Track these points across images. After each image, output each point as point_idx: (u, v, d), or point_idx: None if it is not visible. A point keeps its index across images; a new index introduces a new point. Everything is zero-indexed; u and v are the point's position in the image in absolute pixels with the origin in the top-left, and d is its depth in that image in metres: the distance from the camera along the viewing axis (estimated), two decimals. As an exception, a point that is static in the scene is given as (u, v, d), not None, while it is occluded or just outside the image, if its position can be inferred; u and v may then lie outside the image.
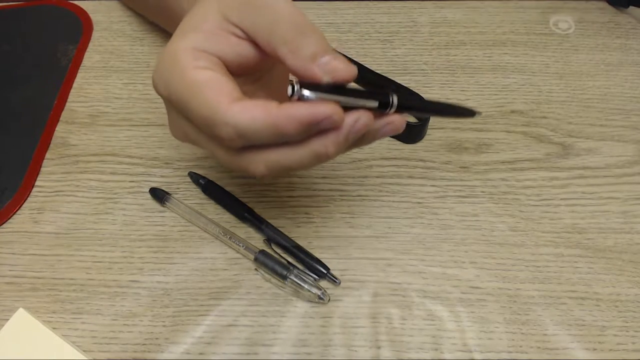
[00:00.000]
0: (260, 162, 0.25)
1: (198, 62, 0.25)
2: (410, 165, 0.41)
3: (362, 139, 0.26)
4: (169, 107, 0.28)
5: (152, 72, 0.27)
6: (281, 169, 0.25)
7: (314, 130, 0.24)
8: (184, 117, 0.26)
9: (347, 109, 0.24)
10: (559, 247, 0.37)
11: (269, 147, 0.25)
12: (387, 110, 0.26)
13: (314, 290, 0.35)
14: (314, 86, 0.24)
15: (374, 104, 0.25)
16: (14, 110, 0.45)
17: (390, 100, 0.26)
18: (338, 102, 0.24)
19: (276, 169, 0.25)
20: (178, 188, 0.40)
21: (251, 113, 0.23)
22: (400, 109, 0.26)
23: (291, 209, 0.39)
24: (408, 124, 0.41)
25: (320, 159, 0.25)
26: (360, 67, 0.42)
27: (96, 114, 0.44)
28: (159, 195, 0.39)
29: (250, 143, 0.24)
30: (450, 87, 0.45)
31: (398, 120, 0.26)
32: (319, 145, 0.24)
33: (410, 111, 0.28)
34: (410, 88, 0.42)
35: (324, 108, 0.23)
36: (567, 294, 0.35)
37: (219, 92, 0.24)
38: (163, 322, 0.35)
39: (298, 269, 0.36)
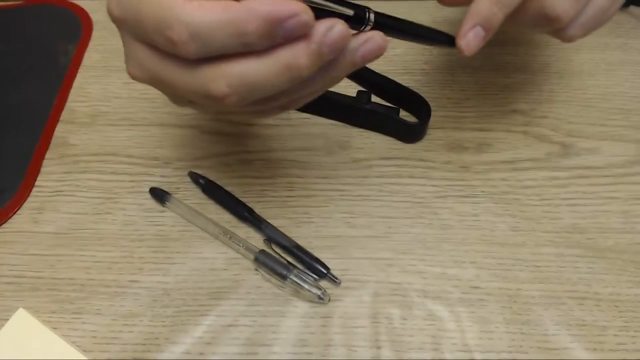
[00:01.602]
0: (221, 77, 0.22)
1: None
2: (410, 165, 0.41)
3: (339, 62, 0.24)
4: (124, 33, 0.25)
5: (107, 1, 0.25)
6: (247, 87, 0.23)
7: (279, 33, 0.21)
8: (139, 40, 0.24)
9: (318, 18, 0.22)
10: (559, 247, 0.37)
11: (230, 58, 0.22)
12: (363, 27, 0.24)
13: (314, 290, 0.35)
14: None
15: (349, 12, 0.23)
16: (14, 110, 0.45)
17: (367, 14, 0.23)
18: (307, 4, 0.21)
19: (241, 87, 0.22)
20: (178, 188, 0.40)
21: (207, 9, 0.21)
22: (378, 27, 0.24)
23: (291, 209, 0.39)
24: (408, 124, 0.41)
25: (292, 72, 0.22)
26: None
27: (96, 114, 0.44)
28: (159, 195, 0.39)
29: (207, 48, 0.22)
30: (450, 86, 0.44)
31: (378, 36, 0.23)
32: (288, 54, 0.22)
33: (389, 30, 0.25)
34: (410, 88, 0.42)
35: (290, 4, 0.21)
36: (568, 294, 0.35)
37: None
38: (163, 322, 0.35)
39: (298, 268, 0.36)
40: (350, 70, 0.25)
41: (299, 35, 0.22)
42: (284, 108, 0.27)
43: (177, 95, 0.27)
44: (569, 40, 0.31)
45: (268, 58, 0.22)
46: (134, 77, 0.26)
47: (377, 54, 0.24)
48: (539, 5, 0.29)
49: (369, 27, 0.24)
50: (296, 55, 0.22)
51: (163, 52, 0.23)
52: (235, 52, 0.22)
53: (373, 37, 0.24)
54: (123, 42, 0.26)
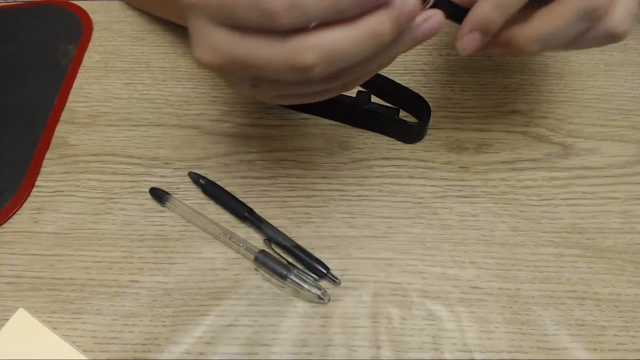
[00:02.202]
0: (312, 47, 0.23)
1: None
2: (410, 165, 0.41)
3: (403, 38, 0.25)
4: (198, 18, 0.25)
5: None
6: (335, 55, 0.24)
7: (367, 3, 0.23)
8: (218, 22, 0.25)
9: None
10: (559, 247, 0.37)
11: (321, 29, 0.23)
12: (425, 5, 0.26)
13: (314, 290, 0.35)
14: None
15: None
16: (14, 110, 0.45)
17: None
18: None
19: (329, 56, 0.24)
20: (178, 188, 0.40)
21: None
22: (437, 6, 0.26)
23: (291, 209, 0.39)
24: (408, 124, 0.41)
25: (376, 39, 0.24)
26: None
27: (96, 114, 0.44)
28: (159, 195, 0.39)
29: (303, 18, 0.23)
30: (450, 87, 0.45)
31: (438, 14, 0.25)
32: (374, 21, 0.23)
33: (446, 10, 0.27)
34: (410, 88, 0.42)
35: None
36: (567, 294, 0.35)
37: None
38: (163, 322, 0.35)
39: (298, 268, 0.36)
40: (411, 46, 0.26)
41: (383, 2, 0.23)
42: (344, 88, 0.28)
43: (243, 78, 0.27)
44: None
45: (355, 26, 0.23)
46: (203, 62, 0.26)
47: (436, 31, 0.25)
48: (605, 27, 0.30)
49: (428, 6, 0.26)
50: (381, 22, 0.23)
51: (245, 31, 0.24)
52: (326, 21, 0.23)
53: (435, 16, 0.25)
54: (193, 28, 0.26)
